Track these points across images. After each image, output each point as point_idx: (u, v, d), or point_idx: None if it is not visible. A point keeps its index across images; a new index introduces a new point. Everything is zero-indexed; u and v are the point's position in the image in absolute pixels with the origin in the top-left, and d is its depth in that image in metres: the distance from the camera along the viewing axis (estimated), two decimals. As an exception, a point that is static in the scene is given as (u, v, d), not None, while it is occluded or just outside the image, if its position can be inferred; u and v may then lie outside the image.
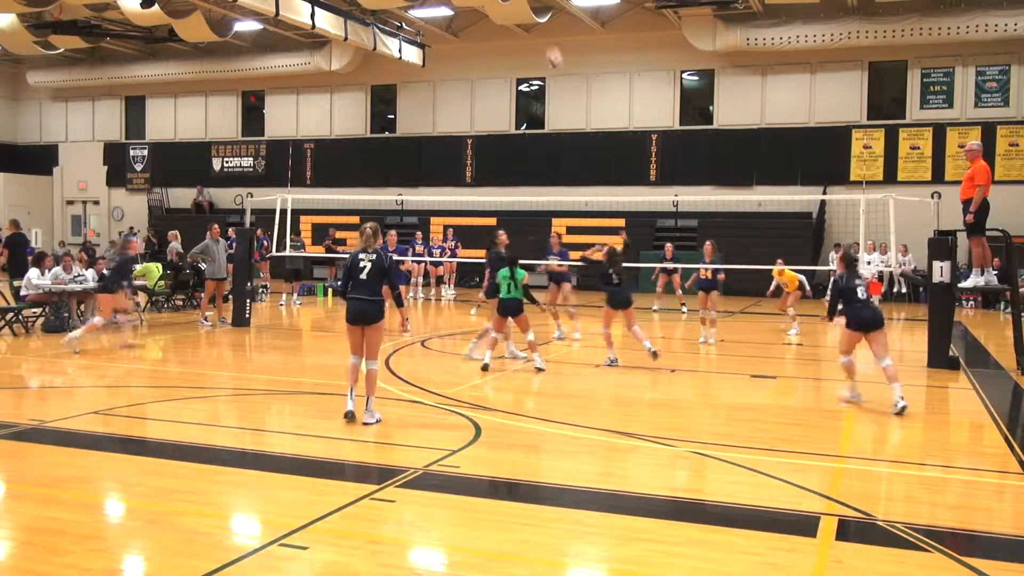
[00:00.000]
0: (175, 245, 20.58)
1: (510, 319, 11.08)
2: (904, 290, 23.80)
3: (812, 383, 11.49)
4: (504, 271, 10.93)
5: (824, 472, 6.76)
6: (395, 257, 15.93)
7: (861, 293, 9.00)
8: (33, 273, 14.32)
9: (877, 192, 18.40)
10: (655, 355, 11.21)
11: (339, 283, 9.11)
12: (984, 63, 24.07)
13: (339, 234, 24.59)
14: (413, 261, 21.61)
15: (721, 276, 14.54)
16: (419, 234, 23.75)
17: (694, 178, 26.08)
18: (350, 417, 7.88)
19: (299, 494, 5.87)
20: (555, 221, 26.37)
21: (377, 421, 7.88)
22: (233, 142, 32.39)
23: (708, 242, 14.63)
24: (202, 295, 18.09)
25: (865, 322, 8.90)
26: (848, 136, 25.22)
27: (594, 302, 16.52)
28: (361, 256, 8.02)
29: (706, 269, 14.16)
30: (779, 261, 15.77)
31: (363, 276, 7.93)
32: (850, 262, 9.44)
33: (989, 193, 11.40)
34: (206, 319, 15.62)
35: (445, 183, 28.64)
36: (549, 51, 17.39)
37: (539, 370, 10.87)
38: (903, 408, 8.54)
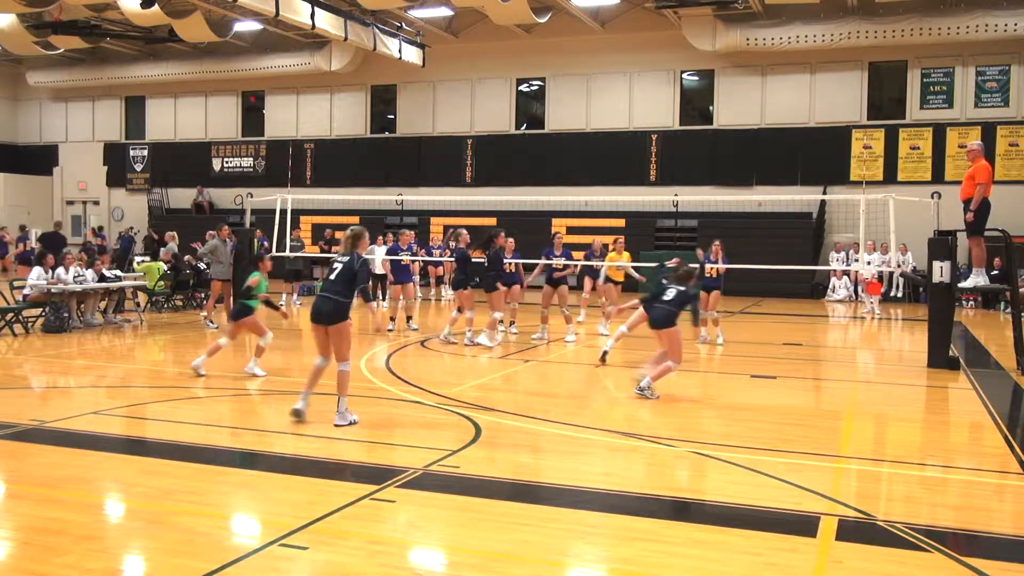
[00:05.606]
0: (172, 246, 20.53)
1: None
2: (898, 294, 23.77)
3: (812, 383, 11.49)
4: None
5: (824, 472, 6.75)
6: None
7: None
8: (35, 272, 14.33)
9: (877, 192, 18.40)
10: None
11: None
12: (984, 63, 24.08)
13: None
14: (411, 261, 21.51)
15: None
16: (413, 233, 23.58)
17: (694, 178, 26.09)
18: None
19: (299, 494, 5.87)
20: (555, 221, 26.39)
21: None
22: (233, 142, 32.39)
23: (718, 241, 14.41)
24: (202, 295, 18.04)
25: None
26: (848, 136, 25.22)
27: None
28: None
29: (712, 267, 14.08)
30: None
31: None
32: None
33: (990, 193, 11.38)
34: (211, 321, 15.55)
35: (445, 183, 28.64)
36: None
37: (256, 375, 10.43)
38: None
